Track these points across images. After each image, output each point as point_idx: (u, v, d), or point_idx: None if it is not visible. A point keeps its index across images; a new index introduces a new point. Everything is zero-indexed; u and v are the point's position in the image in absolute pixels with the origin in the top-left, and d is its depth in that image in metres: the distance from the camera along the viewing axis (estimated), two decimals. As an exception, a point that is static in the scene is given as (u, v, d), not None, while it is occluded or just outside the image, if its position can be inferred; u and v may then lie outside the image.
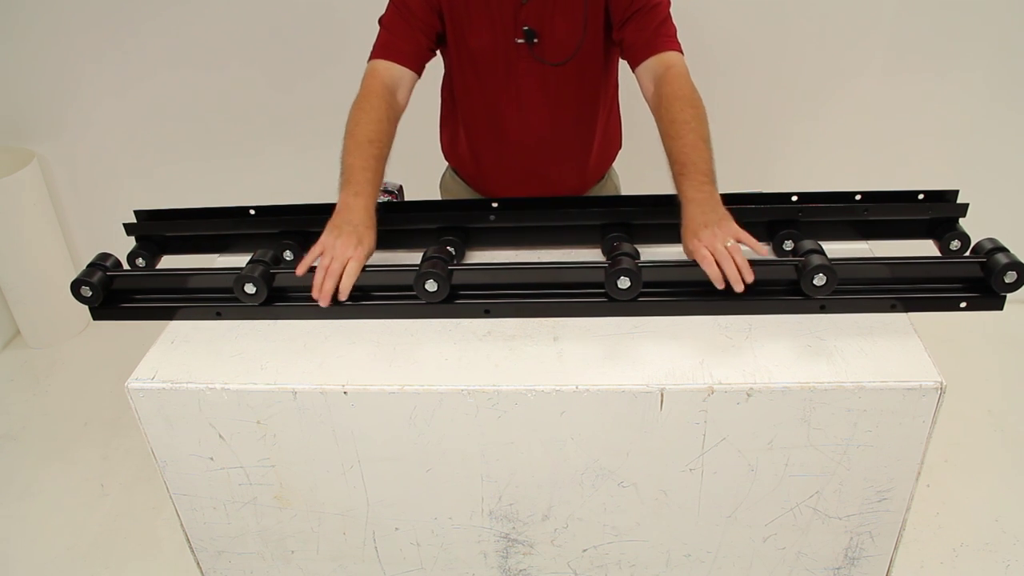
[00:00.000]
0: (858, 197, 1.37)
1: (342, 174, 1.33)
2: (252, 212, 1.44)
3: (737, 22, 2.39)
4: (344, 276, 1.23)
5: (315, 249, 1.26)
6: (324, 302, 1.24)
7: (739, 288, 1.19)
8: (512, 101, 1.54)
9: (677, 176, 1.30)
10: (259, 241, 1.45)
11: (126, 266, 1.40)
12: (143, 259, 1.45)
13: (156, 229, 1.47)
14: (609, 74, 1.60)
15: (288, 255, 1.41)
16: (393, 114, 1.44)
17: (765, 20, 2.39)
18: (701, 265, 1.20)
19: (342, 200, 1.30)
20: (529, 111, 1.55)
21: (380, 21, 1.51)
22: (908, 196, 1.38)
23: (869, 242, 1.42)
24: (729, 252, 1.19)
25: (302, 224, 1.43)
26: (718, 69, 2.45)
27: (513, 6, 1.44)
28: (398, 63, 1.46)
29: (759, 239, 1.31)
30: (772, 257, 1.37)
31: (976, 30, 2.37)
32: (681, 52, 1.45)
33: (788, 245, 1.36)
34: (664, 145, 1.35)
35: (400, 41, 1.47)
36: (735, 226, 1.23)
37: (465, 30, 1.48)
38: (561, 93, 1.53)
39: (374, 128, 1.37)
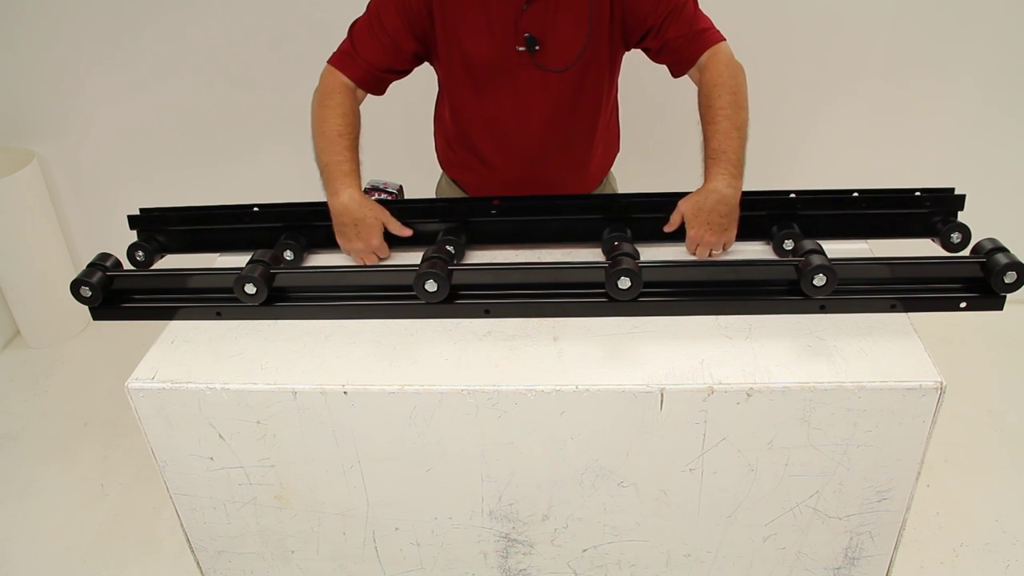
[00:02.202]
0: (855, 194, 1.37)
1: (321, 174, 1.40)
2: (256, 209, 1.44)
3: (736, 25, 2.38)
4: (381, 259, 1.40)
5: (347, 253, 1.40)
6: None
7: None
8: (513, 109, 1.52)
9: (708, 160, 1.36)
10: (260, 239, 1.45)
11: (125, 261, 1.40)
12: (143, 252, 1.45)
13: (159, 224, 1.47)
14: (612, 79, 1.58)
15: (289, 255, 1.41)
16: (356, 104, 1.49)
17: (764, 23, 2.39)
18: (686, 243, 1.36)
19: (330, 203, 1.37)
20: (531, 119, 1.53)
21: (351, 28, 1.50)
22: (905, 193, 1.38)
23: (869, 242, 1.42)
24: (708, 254, 1.36)
25: (303, 218, 1.43)
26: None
27: (513, 13, 1.42)
28: (351, 79, 1.48)
29: (758, 237, 1.41)
30: (772, 257, 1.38)
31: (975, 32, 2.37)
32: (722, 38, 1.47)
33: (788, 244, 1.36)
34: (701, 127, 1.42)
35: (359, 59, 1.47)
36: (732, 238, 1.35)
37: (463, 39, 1.45)
38: (563, 100, 1.51)
39: (340, 122, 1.42)
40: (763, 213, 1.39)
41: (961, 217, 1.39)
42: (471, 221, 1.43)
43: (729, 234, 1.34)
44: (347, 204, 1.35)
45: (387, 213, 1.38)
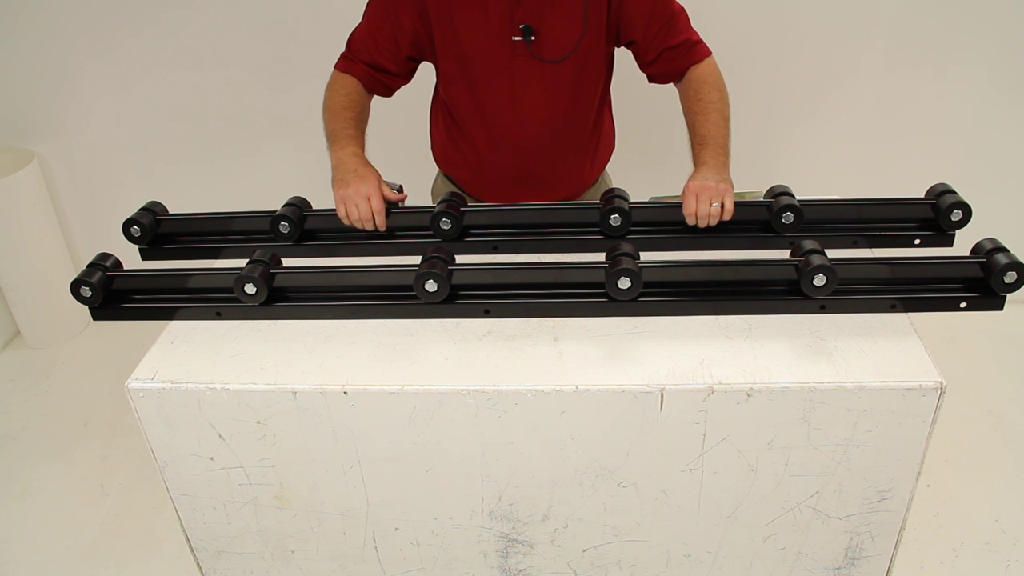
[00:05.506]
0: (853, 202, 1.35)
1: (327, 139, 1.48)
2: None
3: (736, 21, 2.39)
4: (375, 214, 1.37)
5: (338, 207, 1.38)
6: (371, 227, 1.39)
7: (702, 224, 1.32)
8: (509, 101, 1.52)
9: (697, 147, 1.42)
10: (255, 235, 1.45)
11: (125, 254, 1.40)
12: (139, 227, 1.44)
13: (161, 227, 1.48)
14: (608, 71, 1.59)
15: (284, 226, 1.40)
16: (362, 89, 1.55)
17: (764, 19, 2.39)
18: (683, 201, 1.33)
19: (333, 157, 1.43)
20: (526, 110, 1.53)
21: (348, 39, 1.55)
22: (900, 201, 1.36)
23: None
24: (709, 206, 1.31)
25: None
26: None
27: (509, 3, 1.42)
28: (357, 80, 1.54)
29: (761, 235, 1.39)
30: (772, 257, 1.38)
31: (976, 28, 2.37)
32: (710, 52, 1.52)
33: (788, 217, 1.33)
34: (688, 121, 1.48)
35: (358, 63, 1.54)
36: (730, 193, 1.33)
37: (458, 31, 1.46)
38: (559, 91, 1.51)
39: (345, 98, 1.50)
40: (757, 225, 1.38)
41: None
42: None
43: (722, 185, 1.32)
44: (350, 156, 1.41)
45: (382, 181, 1.41)
